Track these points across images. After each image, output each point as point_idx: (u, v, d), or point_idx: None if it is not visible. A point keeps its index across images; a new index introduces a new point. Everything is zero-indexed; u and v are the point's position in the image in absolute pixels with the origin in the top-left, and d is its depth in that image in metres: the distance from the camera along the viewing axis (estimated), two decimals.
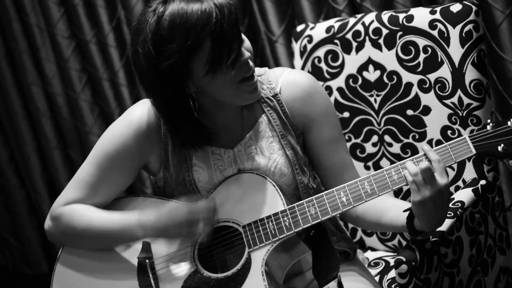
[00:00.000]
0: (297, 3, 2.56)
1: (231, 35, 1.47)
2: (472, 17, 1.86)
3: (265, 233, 1.58)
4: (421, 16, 1.94)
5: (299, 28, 2.24)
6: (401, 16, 1.98)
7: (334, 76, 2.13)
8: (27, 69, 3.31)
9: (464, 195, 1.82)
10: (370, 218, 1.67)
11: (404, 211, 1.55)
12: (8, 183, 3.59)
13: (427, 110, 1.97)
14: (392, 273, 1.94)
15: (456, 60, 1.89)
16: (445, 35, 1.89)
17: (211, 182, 1.67)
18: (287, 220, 1.57)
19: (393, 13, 2.01)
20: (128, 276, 1.64)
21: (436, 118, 1.96)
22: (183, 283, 1.61)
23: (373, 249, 2.18)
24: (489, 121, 1.50)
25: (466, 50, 1.87)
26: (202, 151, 1.67)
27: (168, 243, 1.64)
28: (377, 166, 2.10)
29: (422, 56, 1.95)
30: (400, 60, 2.00)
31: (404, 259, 1.55)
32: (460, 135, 1.91)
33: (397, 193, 2.07)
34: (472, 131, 1.87)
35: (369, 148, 2.11)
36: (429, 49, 1.93)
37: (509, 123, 1.47)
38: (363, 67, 2.07)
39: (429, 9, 1.94)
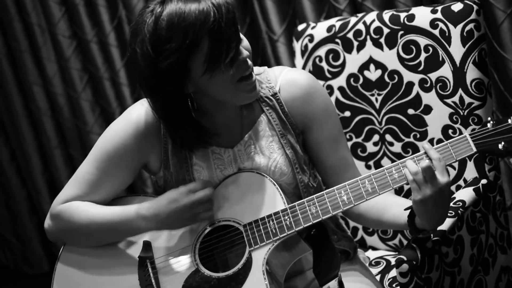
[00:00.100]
0: (298, 2, 2.56)
1: (229, 33, 1.47)
2: (473, 16, 1.86)
3: (266, 232, 1.58)
4: (422, 15, 1.94)
5: (300, 27, 2.24)
6: (402, 15, 1.98)
7: (335, 75, 2.13)
8: (28, 68, 3.31)
9: (465, 194, 1.82)
10: (372, 215, 1.67)
11: (405, 209, 1.55)
12: (9, 182, 3.60)
13: (428, 109, 1.97)
14: (393, 272, 1.94)
15: (457, 59, 1.88)
16: (446, 34, 1.89)
17: (211, 181, 1.67)
18: (288, 219, 1.57)
19: (394, 12, 2.01)
20: (129, 274, 1.64)
21: (437, 117, 1.96)
22: (184, 282, 1.61)
23: (374, 248, 2.17)
24: (489, 119, 1.50)
25: (467, 49, 1.87)
26: (202, 150, 1.67)
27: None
28: (378, 165, 2.10)
29: (423, 55, 1.95)
30: (401, 59, 1.99)
31: (405, 258, 1.55)
32: (461, 134, 1.91)
33: (398, 192, 2.07)
34: (473, 130, 1.87)
35: (370, 147, 2.11)
36: (430, 48, 1.93)
37: (509, 121, 1.47)
38: (364, 66, 2.07)
39: (430, 8, 1.94)
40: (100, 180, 1.65)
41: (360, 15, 2.10)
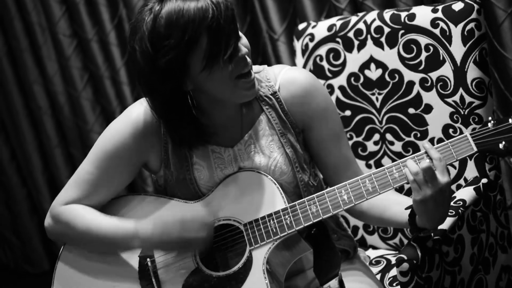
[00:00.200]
0: (299, 1, 2.56)
1: (227, 30, 1.47)
2: (474, 15, 1.86)
3: (266, 231, 1.58)
4: (423, 15, 1.94)
5: (301, 26, 2.23)
6: (403, 14, 1.98)
7: (335, 74, 2.13)
8: (28, 67, 3.31)
9: (466, 194, 1.82)
10: (374, 213, 1.68)
11: (406, 208, 1.55)
12: (10, 181, 3.60)
13: (428, 108, 1.97)
14: (394, 272, 1.94)
15: (458, 58, 1.88)
16: (447, 33, 1.89)
17: (212, 180, 1.67)
18: (288, 218, 1.57)
19: (395, 12, 2.01)
20: (129, 273, 1.64)
21: (438, 117, 1.95)
22: (184, 281, 1.61)
23: (374, 247, 2.17)
24: (490, 118, 1.50)
25: (468, 48, 1.87)
26: (202, 150, 1.67)
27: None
28: (378, 165, 2.10)
29: (424, 55, 1.95)
30: (402, 59, 1.99)
31: (405, 257, 1.55)
32: (462, 133, 1.91)
33: (398, 191, 2.07)
34: (473, 129, 1.86)
35: (371, 147, 2.11)
36: (431, 48, 1.93)
37: (510, 120, 1.47)
38: (365, 66, 2.07)
39: (431, 8, 1.94)
40: (100, 180, 1.65)
41: (360, 14, 2.10)
